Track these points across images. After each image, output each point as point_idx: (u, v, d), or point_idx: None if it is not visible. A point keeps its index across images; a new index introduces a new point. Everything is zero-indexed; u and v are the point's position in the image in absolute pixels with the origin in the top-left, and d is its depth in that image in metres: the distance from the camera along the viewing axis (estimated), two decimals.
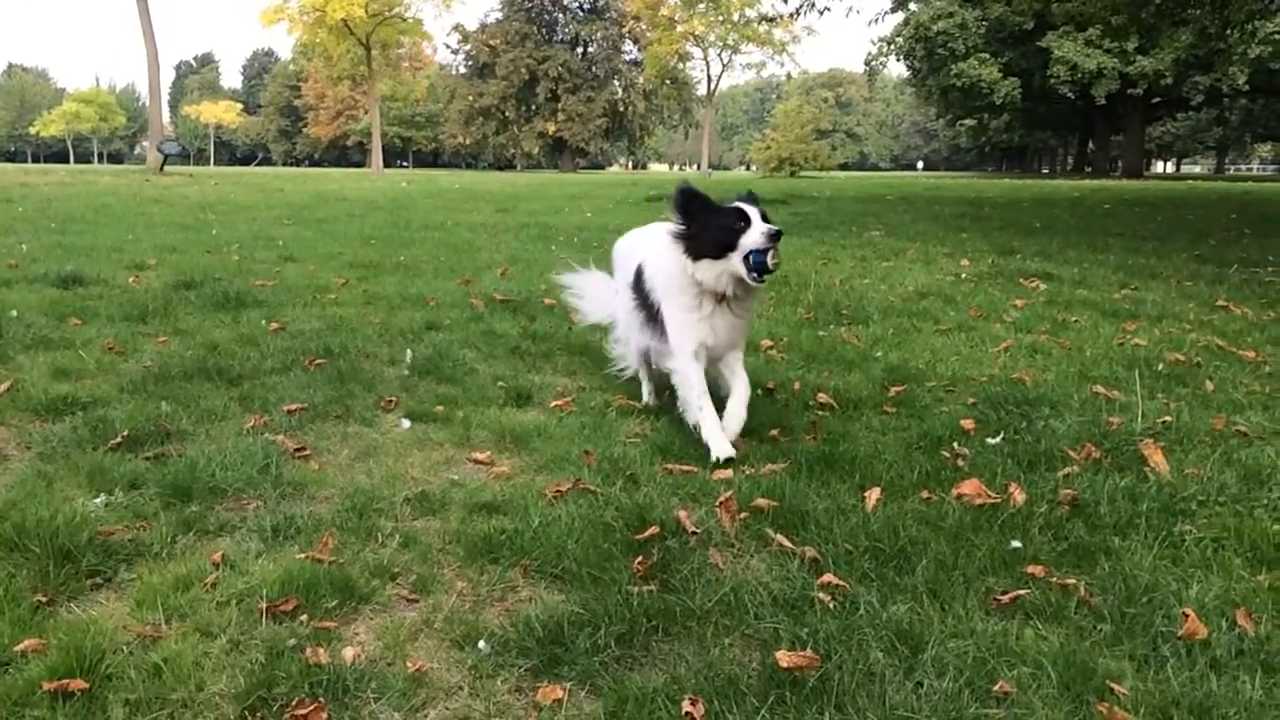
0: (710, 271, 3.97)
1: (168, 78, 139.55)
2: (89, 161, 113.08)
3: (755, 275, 3.90)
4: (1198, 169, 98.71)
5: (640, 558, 3.02)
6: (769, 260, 3.87)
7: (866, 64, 58.54)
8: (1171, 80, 50.57)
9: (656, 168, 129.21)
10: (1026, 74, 55.20)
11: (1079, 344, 6.23)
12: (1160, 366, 5.59)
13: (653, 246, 4.37)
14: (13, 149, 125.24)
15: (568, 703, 2.35)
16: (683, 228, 4.04)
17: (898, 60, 60.03)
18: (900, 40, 55.54)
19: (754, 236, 3.86)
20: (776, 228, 3.89)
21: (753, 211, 3.96)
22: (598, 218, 16.65)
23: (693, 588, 2.85)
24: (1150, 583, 2.88)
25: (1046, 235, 13.49)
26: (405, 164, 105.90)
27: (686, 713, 2.25)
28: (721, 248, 3.92)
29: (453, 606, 2.80)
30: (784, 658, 2.43)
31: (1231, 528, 3.26)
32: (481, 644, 2.58)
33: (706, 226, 3.97)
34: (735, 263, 3.91)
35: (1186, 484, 3.65)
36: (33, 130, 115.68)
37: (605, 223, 15.41)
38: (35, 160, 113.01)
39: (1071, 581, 2.87)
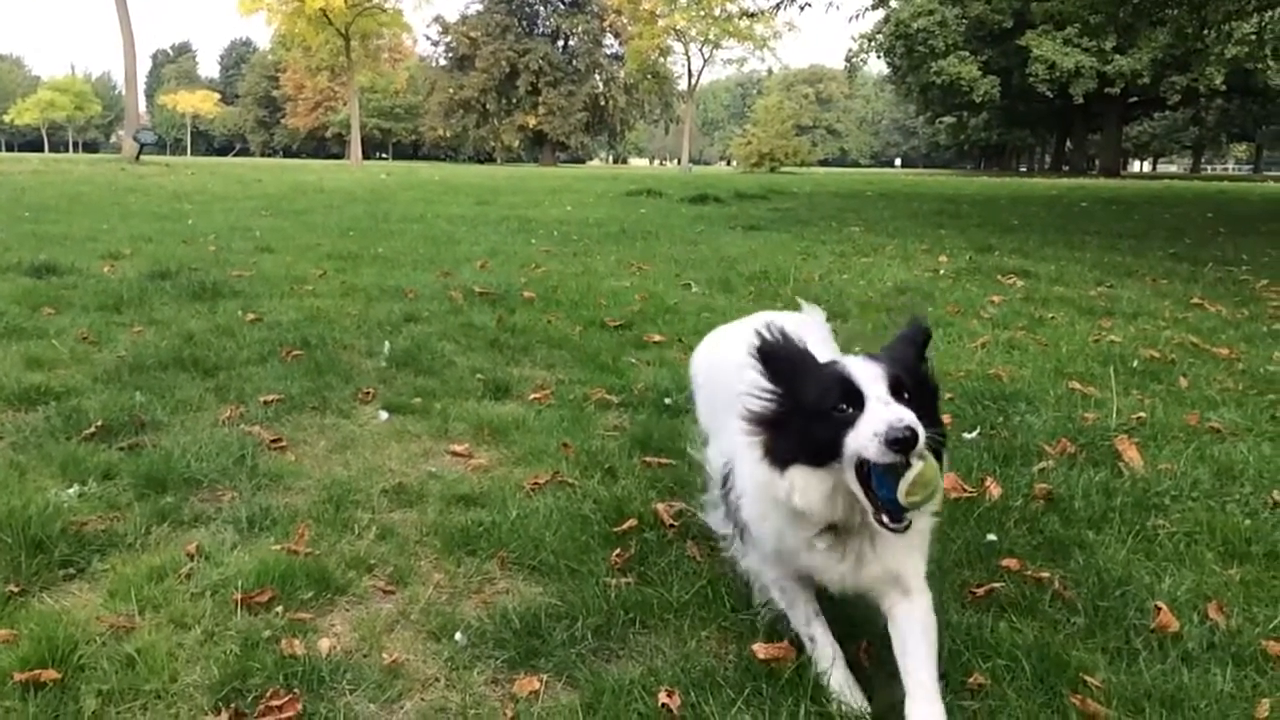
0: (810, 491, 2.14)
1: (144, 67, 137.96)
2: (64, 150, 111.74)
3: (885, 518, 2.05)
4: (1174, 168, 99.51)
5: (618, 550, 3.02)
6: (902, 493, 1.98)
7: (847, 60, 58.75)
8: (1149, 80, 50.99)
9: (637, 162, 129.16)
10: (1005, 72, 55.50)
11: (1055, 340, 6.27)
12: (1135, 363, 5.63)
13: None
14: None
15: (544, 694, 2.35)
16: (761, 408, 2.21)
17: (878, 57, 60.29)
18: (880, 37, 55.74)
19: (863, 438, 2.00)
20: (905, 425, 1.94)
21: (869, 376, 2.08)
22: (578, 211, 16.61)
23: (670, 580, 2.86)
24: (1123, 576, 2.91)
25: (1024, 233, 13.57)
26: (384, 156, 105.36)
27: (663, 704, 2.25)
28: (815, 449, 2.11)
29: (429, 598, 2.79)
30: (761, 649, 2.44)
31: (1204, 522, 3.29)
32: (458, 636, 2.58)
33: (793, 405, 2.16)
34: (847, 475, 2.09)
35: (1160, 479, 3.68)
36: (6, 118, 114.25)
37: (585, 216, 15.39)
38: (9, 149, 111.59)
39: (1046, 575, 2.90)
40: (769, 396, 2.19)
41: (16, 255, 8.79)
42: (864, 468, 2.05)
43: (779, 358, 2.19)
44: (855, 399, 2.06)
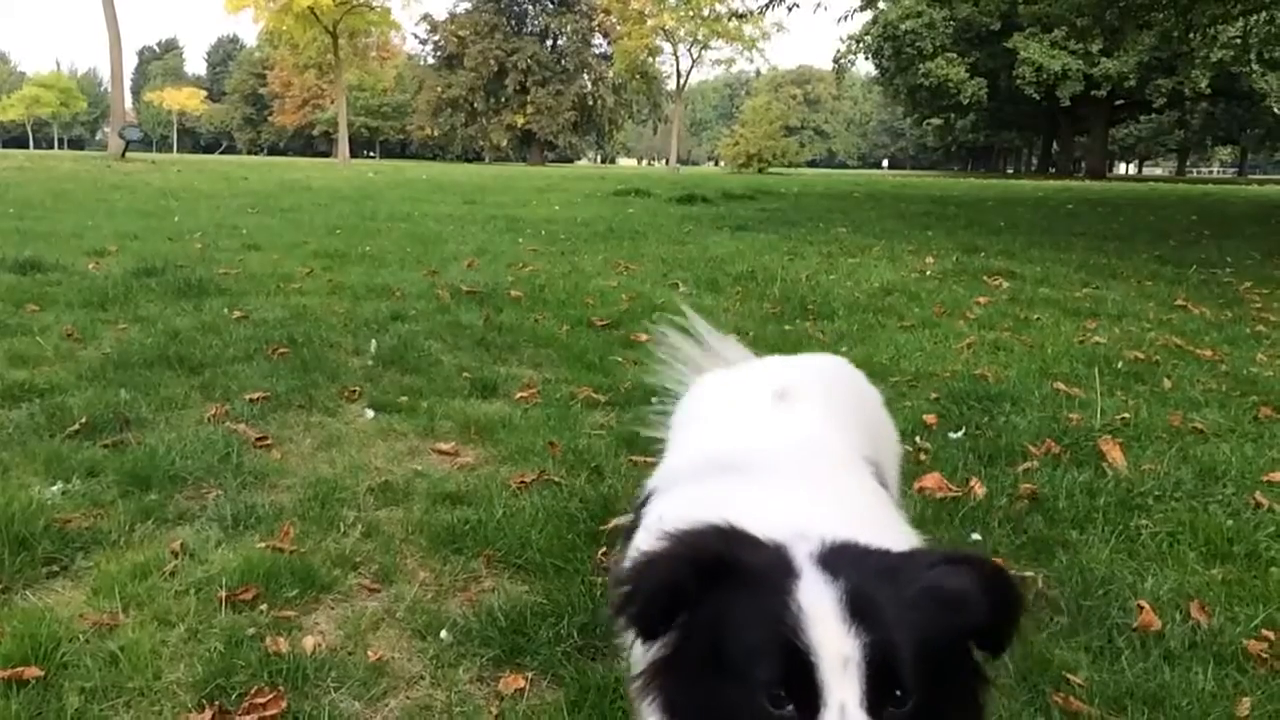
0: None
1: (130, 63, 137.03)
2: (49, 147, 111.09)
3: None
4: (1159, 171, 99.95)
5: (604, 549, 3.02)
6: None
7: (835, 62, 58.74)
8: (1135, 83, 51.24)
9: (625, 162, 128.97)
10: (993, 74, 55.62)
11: (1040, 341, 6.29)
12: (1120, 364, 5.66)
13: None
14: None
15: (529, 692, 2.35)
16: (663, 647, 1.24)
17: (866, 58, 60.35)
18: (868, 39, 55.80)
19: None
20: None
21: (836, 651, 1.09)
22: (565, 210, 16.59)
23: None
24: (1107, 575, 2.93)
25: (1010, 234, 13.61)
26: (372, 154, 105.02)
27: None
28: None
29: (415, 596, 2.79)
30: None
31: (1186, 522, 3.31)
32: (443, 634, 2.58)
33: (701, 656, 1.19)
34: None
35: (1143, 479, 3.71)
36: None
37: (573, 215, 15.37)
38: None
39: (1030, 574, 2.91)
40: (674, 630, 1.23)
41: (1, 251, 8.73)
42: None
43: (689, 574, 1.19)
44: (802, 690, 1.11)
